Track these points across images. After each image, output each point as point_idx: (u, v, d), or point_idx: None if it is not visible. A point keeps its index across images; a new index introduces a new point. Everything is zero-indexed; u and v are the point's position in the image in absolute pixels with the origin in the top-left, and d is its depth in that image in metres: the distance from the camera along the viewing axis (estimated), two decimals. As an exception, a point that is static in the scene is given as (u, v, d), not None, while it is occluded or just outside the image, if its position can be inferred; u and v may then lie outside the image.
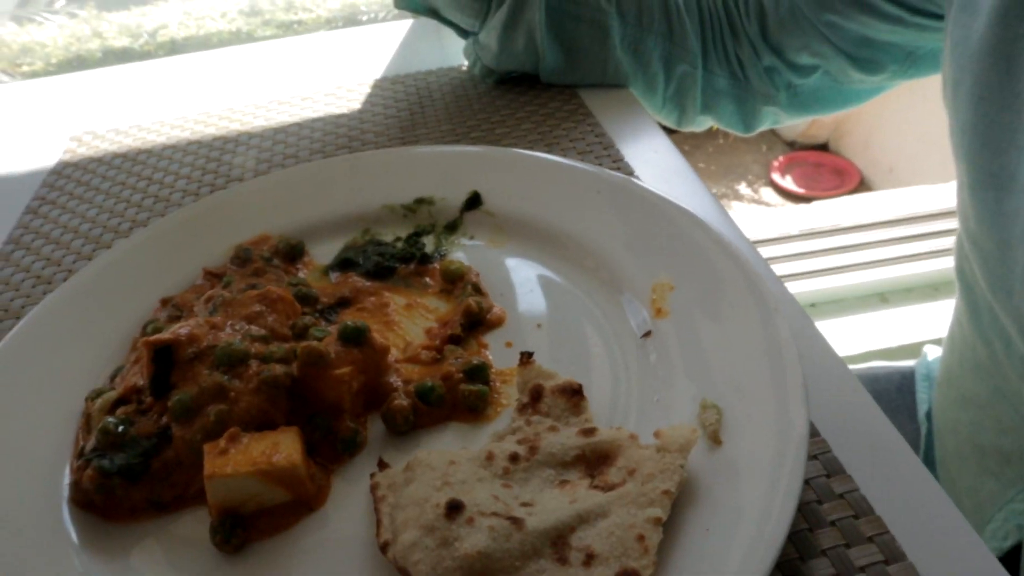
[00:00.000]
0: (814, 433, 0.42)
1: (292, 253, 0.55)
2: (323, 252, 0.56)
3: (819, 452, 0.41)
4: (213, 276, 0.53)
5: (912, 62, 0.74)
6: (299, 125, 0.79)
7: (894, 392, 0.88)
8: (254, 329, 0.44)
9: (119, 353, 0.48)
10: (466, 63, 0.83)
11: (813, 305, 1.77)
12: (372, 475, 0.38)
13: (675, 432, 0.37)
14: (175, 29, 3.11)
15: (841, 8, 0.69)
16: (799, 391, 0.39)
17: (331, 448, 0.41)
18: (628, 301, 0.48)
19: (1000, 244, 0.57)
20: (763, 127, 0.85)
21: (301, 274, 0.54)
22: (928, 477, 0.40)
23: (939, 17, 0.67)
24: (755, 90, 0.80)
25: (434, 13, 0.77)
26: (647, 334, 0.46)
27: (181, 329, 0.42)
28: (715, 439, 0.38)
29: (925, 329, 1.61)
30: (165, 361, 0.41)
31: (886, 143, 2.92)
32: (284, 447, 0.37)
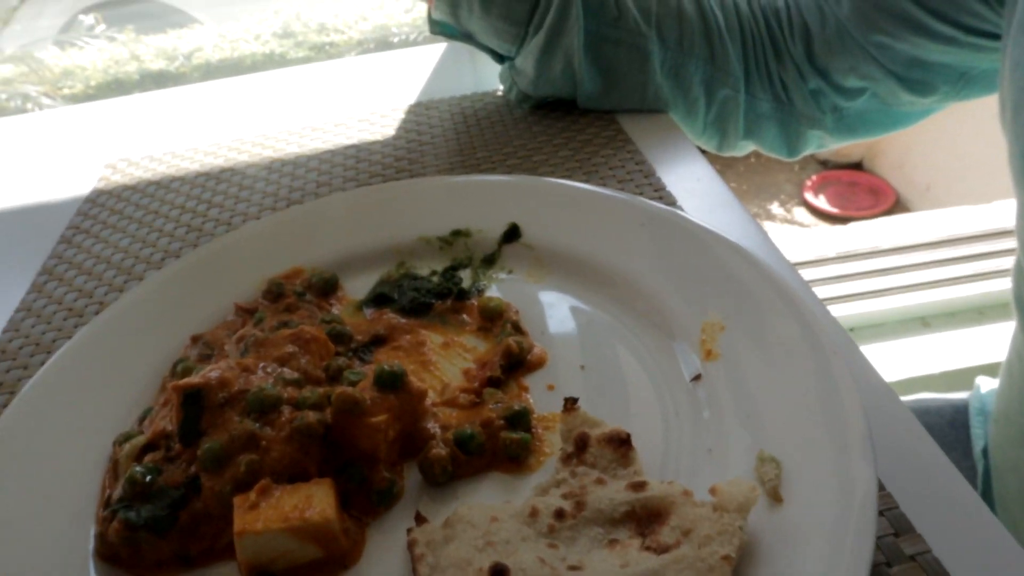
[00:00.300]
0: (879, 487, 0.39)
1: (325, 287, 0.54)
2: (357, 286, 0.55)
3: (885, 508, 0.38)
4: (245, 312, 0.51)
5: (965, 83, 0.71)
6: (332, 152, 0.78)
7: (946, 427, 0.84)
8: (286, 372, 0.42)
9: (149, 392, 0.47)
10: (501, 88, 0.82)
11: (852, 330, 1.73)
12: (409, 531, 0.36)
13: (733, 489, 0.35)
14: (210, 52, 3.15)
15: (891, 29, 0.67)
16: (864, 444, 0.36)
17: (366, 500, 0.39)
18: (676, 341, 0.46)
19: None
20: (808, 151, 0.83)
21: (335, 309, 0.52)
22: (1006, 536, 0.37)
23: (994, 36, 0.64)
24: (799, 114, 0.77)
25: (469, 38, 0.76)
26: (697, 377, 0.43)
27: (212, 372, 0.40)
28: (775, 496, 0.36)
29: (971, 355, 1.55)
30: (195, 406, 0.39)
31: (922, 161, 2.86)
32: (317, 501, 0.36)
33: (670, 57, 0.72)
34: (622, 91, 0.73)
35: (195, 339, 0.49)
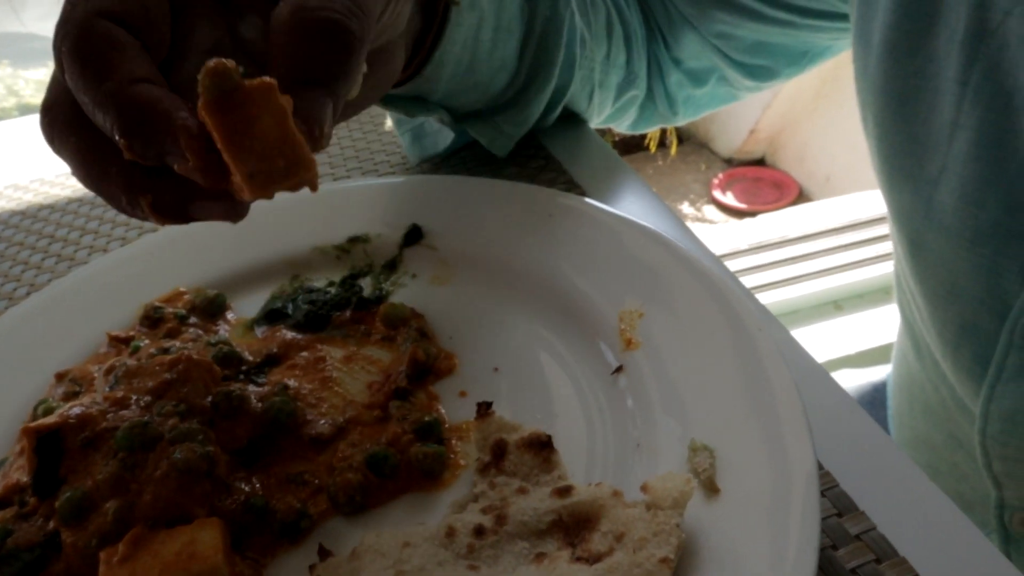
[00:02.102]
0: (818, 466, 0.37)
1: (211, 308, 0.49)
2: (248, 305, 0.50)
3: (826, 488, 0.36)
4: (119, 341, 0.46)
5: (809, 60, 0.71)
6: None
7: (867, 406, 0.84)
8: (165, 403, 0.37)
9: (5, 443, 0.41)
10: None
11: (769, 318, 1.75)
12: (312, 567, 0.32)
13: (666, 484, 0.32)
14: (96, 83, 2.97)
15: (729, 18, 0.66)
16: (800, 420, 0.34)
17: (265, 538, 0.34)
18: (594, 333, 0.43)
19: (929, 298, 0.54)
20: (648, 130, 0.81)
21: (223, 331, 0.48)
22: (951, 506, 0.35)
23: (832, 16, 0.64)
24: (656, 111, 0.76)
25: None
26: (618, 369, 0.40)
27: (72, 410, 0.35)
28: (711, 487, 0.33)
29: (883, 333, 1.60)
30: (52, 451, 0.34)
31: (820, 154, 2.97)
32: (202, 545, 0.31)
33: (599, 71, 0.67)
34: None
35: (60, 376, 0.43)
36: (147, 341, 0.46)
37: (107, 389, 0.39)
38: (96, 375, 0.43)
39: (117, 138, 0.29)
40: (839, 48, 0.68)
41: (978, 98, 0.45)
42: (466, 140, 0.65)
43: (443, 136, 0.63)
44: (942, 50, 0.47)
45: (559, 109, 0.64)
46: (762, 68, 0.70)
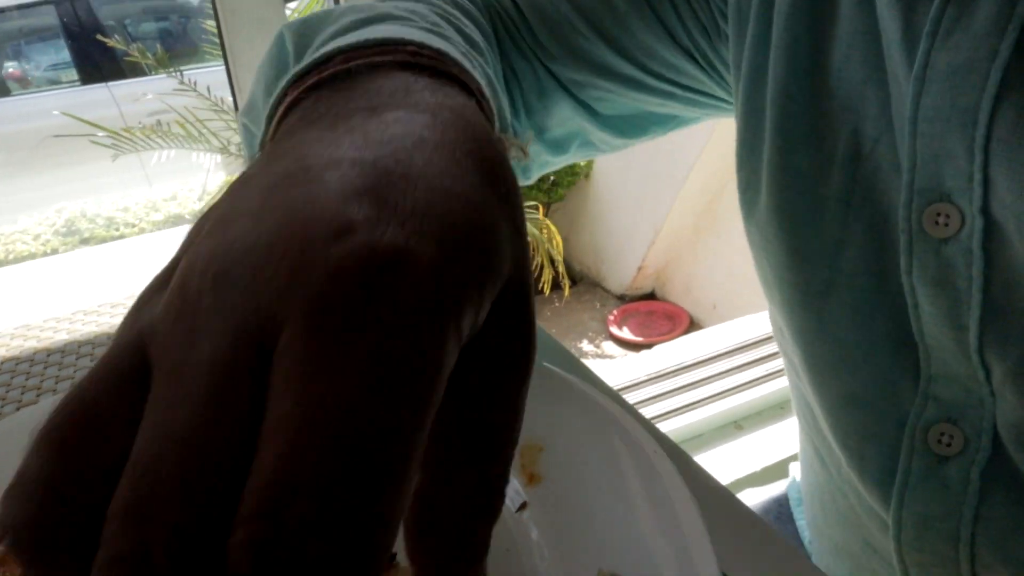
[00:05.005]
0: (724, 584, 0.38)
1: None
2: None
3: (734, 605, 0.37)
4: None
5: (676, 124, 0.73)
6: (109, 335, 0.71)
7: (774, 523, 0.85)
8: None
9: None
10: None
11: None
12: None
13: (577, 617, 0.32)
14: (-21, 254, 2.86)
15: (612, 87, 0.67)
16: (701, 538, 0.35)
17: None
18: (498, 471, 0.43)
19: (828, 409, 0.56)
20: None
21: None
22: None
23: (711, 96, 0.67)
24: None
25: None
26: (523, 506, 0.41)
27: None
28: (622, 615, 0.33)
29: (783, 448, 1.65)
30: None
31: (705, 283, 3.14)
32: None
33: None
34: None
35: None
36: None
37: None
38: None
39: None
40: (705, 119, 0.71)
41: (860, 215, 0.49)
42: None
43: None
44: (812, 169, 0.51)
45: None
46: (635, 127, 0.71)
